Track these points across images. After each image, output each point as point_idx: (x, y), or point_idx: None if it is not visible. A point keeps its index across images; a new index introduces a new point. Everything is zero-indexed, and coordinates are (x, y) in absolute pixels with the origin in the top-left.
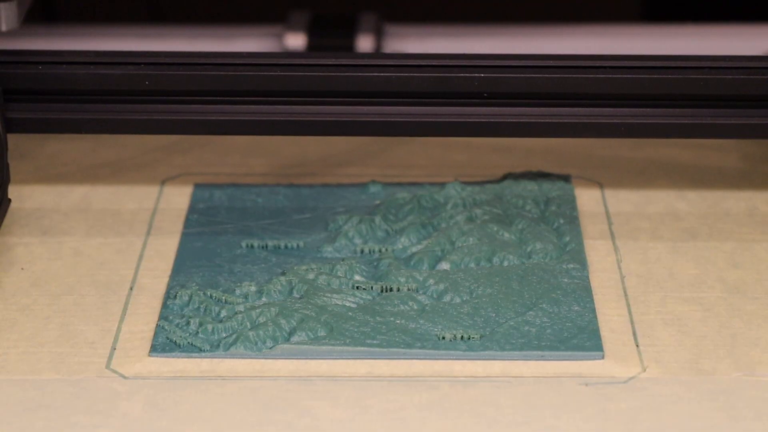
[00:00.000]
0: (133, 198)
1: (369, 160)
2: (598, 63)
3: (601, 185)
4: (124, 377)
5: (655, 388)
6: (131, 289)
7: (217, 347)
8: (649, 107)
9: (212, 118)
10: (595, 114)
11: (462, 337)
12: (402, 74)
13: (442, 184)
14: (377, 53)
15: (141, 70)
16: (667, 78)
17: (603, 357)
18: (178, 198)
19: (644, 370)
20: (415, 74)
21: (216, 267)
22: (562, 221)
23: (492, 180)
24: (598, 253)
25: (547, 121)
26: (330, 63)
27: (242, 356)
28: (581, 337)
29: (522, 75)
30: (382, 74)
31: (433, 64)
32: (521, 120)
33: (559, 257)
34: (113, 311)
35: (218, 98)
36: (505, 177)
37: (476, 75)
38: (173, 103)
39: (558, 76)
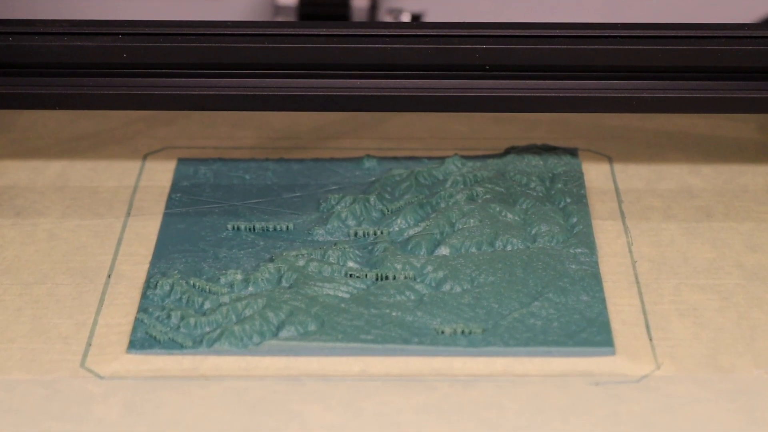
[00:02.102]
0: (113, 174)
1: (363, 132)
2: (607, 32)
3: (610, 159)
4: (100, 377)
5: (670, 388)
6: (109, 277)
7: (199, 343)
8: (663, 80)
9: (196, 92)
10: (605, 87)
11: (463, 332)
12: (398, 46)
13: (441, 159)
14: (372, 22)
15: (119, 41)
16: (682, 49)
17: (614, 353)
18: (161, 174)
19: (658, 368)
20: (412, 46)
21: (200, 252)
22: (569, 200)
23: (494, 154)
24: (607, 235)
25: (553, 95)
26: (322, 33)
27: (227, 353)
28: (590, 330)
29: (527, 46)
30: (376, 46)
31: (432, 34)
32: (526, 94)
33: (566, 240)
34: (89, 302)
35: (202, 71)
36: (508, 151)
37: (478, 46)
38: (154, 77)
39: (565, 47)
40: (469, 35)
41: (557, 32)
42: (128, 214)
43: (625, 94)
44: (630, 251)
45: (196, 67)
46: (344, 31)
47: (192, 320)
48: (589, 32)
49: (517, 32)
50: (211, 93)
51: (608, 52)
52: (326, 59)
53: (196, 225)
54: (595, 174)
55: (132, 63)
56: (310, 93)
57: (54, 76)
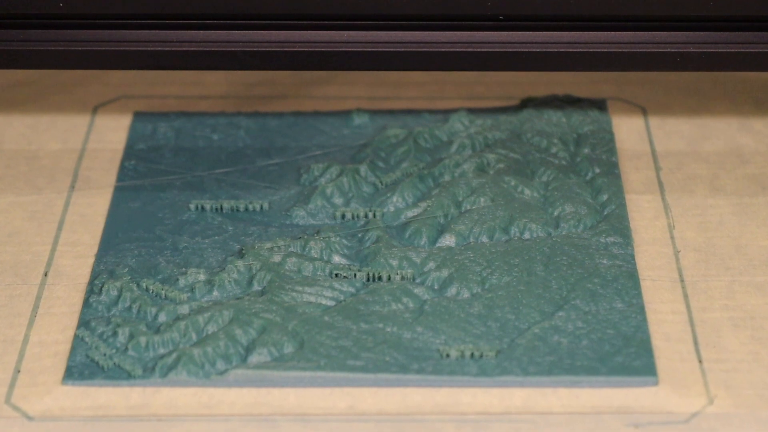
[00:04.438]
0: (57, 133)
1: (353, 76)
2: None
3: (644, 111)
4: (29, 417)
5: (727, 431)
6: (46, 275)
7: (151, 371)
8: (713, 30)
9: (147, 48)
10: (642, 40)
11: (472, 355)
12: None
13: (445, 114)
14: None
15: None
16: None
17: (657, 382)
18: (113, 133)
19: (711, 402)
20: None
21: (156, 240)
22: (597, 170)
23: (508, 107)
24: (644, 215)
25: (578, 50)
26: None
27: (184, 384)
28: (627, 352)
29: None
30: None
31: None
32: (546, 50)
33: (596, 226)
34: (20, 310)
35: (155, 22)
36: (525, 103)
37: None
38: (96, 28)
39: None
40: None
41: None
42: (72, 187)
43: (668, 49)
44: (671, 237)
45: (148, 17)
46: None
47: (143, 339)
48: None
49: None
50: (165, 49)
51: None
52: (306, 7)
53: (153, 203)
54: (627, 132)
55: (70, 13)
56: (288, 48)
57: None
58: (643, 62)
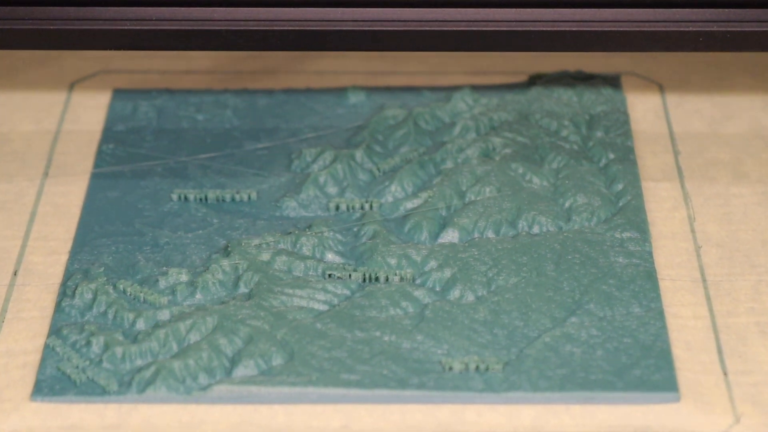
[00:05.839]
0: (30, 112)
1: None
2: None
3: (660, 87)
4: None
5: None
6: (15, 274)
7: (128, 387)
8: (739, 7)
9: (125, 27)
10: (660, 18)
11: (477, 367)
12: None
13: (447, 91)
14: None
15: None
16: None
17: (678, 398)
18: (91, 112)
19: (737, 421)
20: None
21: (135, 235)
22: (611, 156)
23: (515, 84)
24: (662, 206)
25: (591, 29)
26: None
27: (164, 401)
28: (646, 364)
29: None
30: None
31: None
32: (556, 28)
33: (610, 219)
34: None
35: None
36: (533, 80)
37: None
38: (69, 5)
39: None
40: None
41: None
42: (45, 174)
43: (690, 28)
44: (692, 231)
45: None
46: None
47: (119, 350)
48: None
49: None
50: (144, 28)
51: None
52: None
53: (132, 192)
54: (643, 111)
55: None
56: (277, 27)
57: None
58: (662, 42)
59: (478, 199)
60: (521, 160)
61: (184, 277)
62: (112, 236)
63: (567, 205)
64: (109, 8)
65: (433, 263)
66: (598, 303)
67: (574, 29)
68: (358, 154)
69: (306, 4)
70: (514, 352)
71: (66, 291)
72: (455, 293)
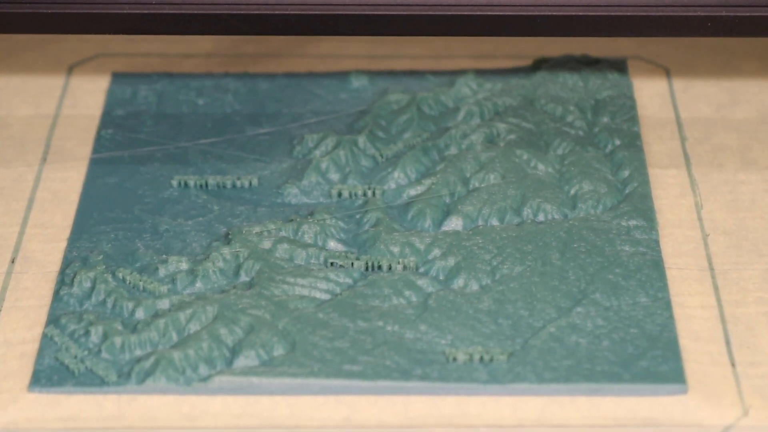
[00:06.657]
0: (28, 97)
1: None
2: None
3: (667, 71)
4: None
5: None
6: (13, 261)
7: (127, 377)
8: None
9: (123, 11)
10: (666, 3)
11: (482, 358)
12: None
13: (451, 76)
14: None
15: None
16: None
17: (686, 390)
18: (89, 96)
19: (746, 413)
20: None
21: (134, 222)
22: (618, 141)
23: (519, 68)
24: (668, 193)
25: (597, 14)
26: None
27: (163, 392)
28: (653, 355)
29: None
30: None
31: None
32: (561, 13)
33: (616, 207)
34: None
35: None
36: (538, 64)
37: None
38: None
39: None
40: None
41: None
42: (44, 159)
43: (697, 12)
44: (699, 219)
45: None
46: None
47: (118, 340)
48: None
49: None
50: (143, 12)
51: None
52: None
53: (132, 179)
54: (650, 96)
55: None
56: (279, 11)
57: None
58: (669, 27)
59: (482, 186)
60: (526, 146)
61: (184, 265)
62: (111, 223)
63: (572, 192)
64: None
65: (436, 251)
66: (604, 292)
67: (580, 14)
68: (361, 140)
69: None
70: (519, 343)
71: (64, 279)
72: (459, 282)
